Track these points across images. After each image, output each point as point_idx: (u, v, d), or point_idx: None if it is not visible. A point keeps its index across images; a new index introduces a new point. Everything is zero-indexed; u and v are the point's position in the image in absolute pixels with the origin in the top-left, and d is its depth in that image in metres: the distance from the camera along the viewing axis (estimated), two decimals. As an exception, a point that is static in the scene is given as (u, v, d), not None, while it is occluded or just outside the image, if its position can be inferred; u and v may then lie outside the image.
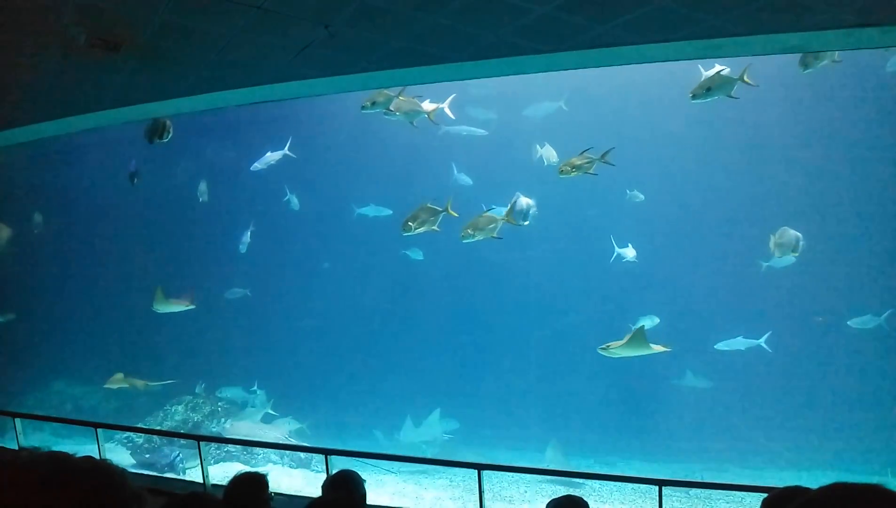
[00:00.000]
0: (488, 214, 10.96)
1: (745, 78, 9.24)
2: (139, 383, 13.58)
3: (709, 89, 9.11)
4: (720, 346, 14.61)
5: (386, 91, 10.71)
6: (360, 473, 4.78)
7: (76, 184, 18.98)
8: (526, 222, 11.92)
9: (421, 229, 10.60)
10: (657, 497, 6.58)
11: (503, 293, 18.09)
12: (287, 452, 14.20)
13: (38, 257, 18.33)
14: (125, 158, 16.78)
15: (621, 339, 9.86)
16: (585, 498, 4.30)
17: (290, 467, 14.18)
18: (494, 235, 10.91)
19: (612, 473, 10.77)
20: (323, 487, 4.68)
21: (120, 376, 13.38)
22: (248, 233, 16.61)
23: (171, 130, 11.12)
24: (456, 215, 10.82)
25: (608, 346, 9.89)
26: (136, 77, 7.24)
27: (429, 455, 13.84)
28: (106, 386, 13.84)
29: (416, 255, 16.83)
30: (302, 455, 13.99)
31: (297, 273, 19.49)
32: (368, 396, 17.71)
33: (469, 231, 10.77)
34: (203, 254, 18.73)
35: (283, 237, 19.06)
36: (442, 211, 10.71)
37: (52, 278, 18.52)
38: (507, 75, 7.20)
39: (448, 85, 11.52)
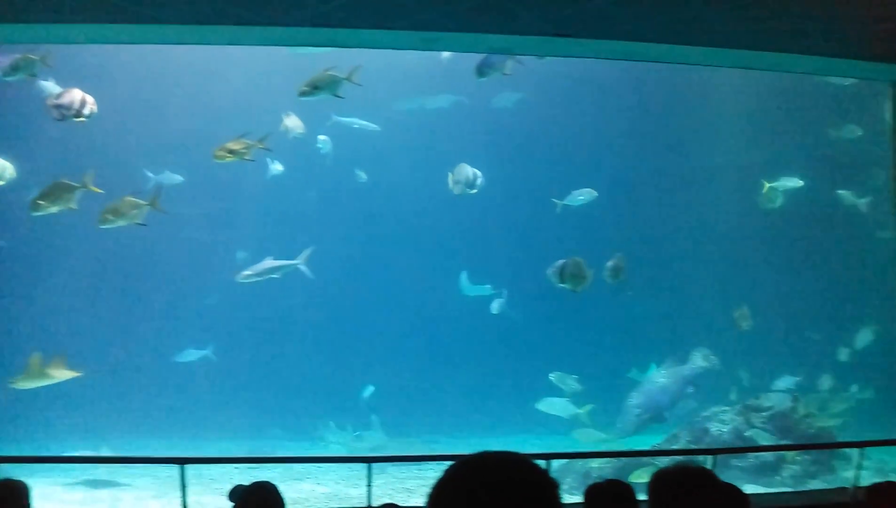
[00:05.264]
0: (130, 198, 9.88)
1: (352, 78, 9.52)
2: None
3: (316, 87, 9.25)
4: (179, 359, 14.45)
5: (30, 54, 9.18)
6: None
7: None
8: (474, 191, 11.53)
9: (54, 209, 9.38)
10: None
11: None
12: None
13: None
14: None
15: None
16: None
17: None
18: (138, 221, 10.00)
19: (131, 455, 10.60)
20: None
21: None
22: None
23: (94, 107, 9.02)
24: (101, 191, 9.65)
25: (15, 380, 9.72)
26: None
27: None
28: None
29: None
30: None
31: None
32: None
33: (108, 216, 9.72)
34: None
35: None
36: (78, 187, 9.43)
37: None
38: (225, 45, 6.81)
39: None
